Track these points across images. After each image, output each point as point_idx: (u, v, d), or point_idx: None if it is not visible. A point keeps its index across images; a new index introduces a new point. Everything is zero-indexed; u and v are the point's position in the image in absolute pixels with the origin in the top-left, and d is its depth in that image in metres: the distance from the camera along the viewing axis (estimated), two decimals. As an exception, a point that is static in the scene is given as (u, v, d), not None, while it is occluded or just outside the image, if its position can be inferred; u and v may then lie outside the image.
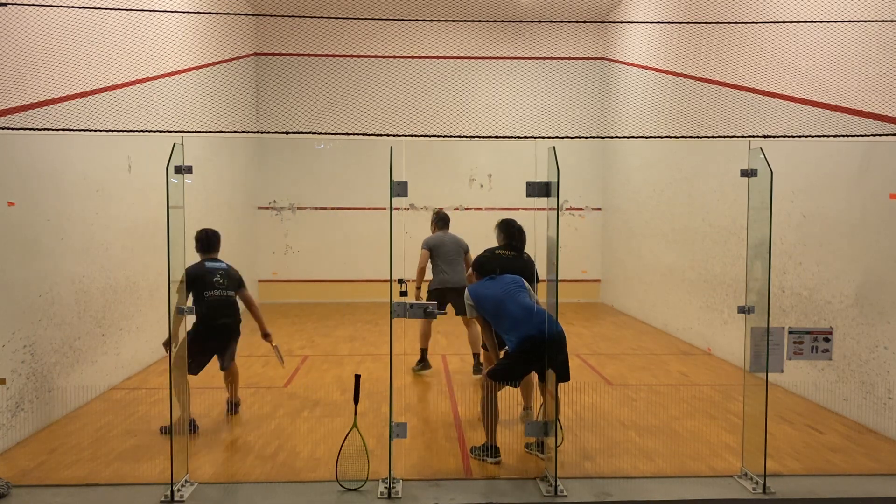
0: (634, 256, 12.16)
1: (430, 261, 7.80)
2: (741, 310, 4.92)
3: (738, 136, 6.36)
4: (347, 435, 4.51)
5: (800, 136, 6.06)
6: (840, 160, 6.29)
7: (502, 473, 4.82)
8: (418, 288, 7.77)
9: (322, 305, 13.39)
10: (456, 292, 7.33)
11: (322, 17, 6.96)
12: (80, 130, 6.07)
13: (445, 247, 7.78)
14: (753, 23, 7.45)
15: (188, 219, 4.74)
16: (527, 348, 4.91)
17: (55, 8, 5.52)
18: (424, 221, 13.80)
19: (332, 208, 14.02)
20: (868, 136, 5.62)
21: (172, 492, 4.27)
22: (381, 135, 5.69)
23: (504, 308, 5.13)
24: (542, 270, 5.24)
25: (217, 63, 10.63)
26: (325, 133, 8.50)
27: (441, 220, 8.07)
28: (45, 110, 5.69)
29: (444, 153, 13.93)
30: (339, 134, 5.80)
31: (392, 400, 4.49)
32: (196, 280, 5.71)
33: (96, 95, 6.60)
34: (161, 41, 8.30)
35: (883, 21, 5.61)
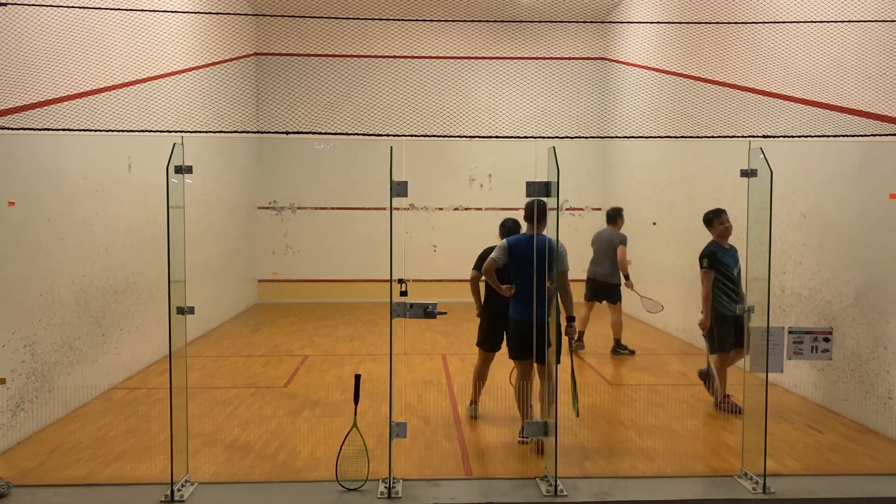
0: (634, 256, 12.13)
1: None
2: (741, 310, 4.93)
3: (738, 136, 6.35)
4: (347, 435, 4.51)
5: (800, 136, 6.06)
6: (840, 160, 6.29)
7: (502, 473, 4.82)
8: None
9: (322, 305, 13.39)
10: (606, 286, 8.90)
11: (322, 17, 6.96)
12: (80, 130, 6.07)
13: (600, 241, 8.95)
14: (753, 23, 7.45)
15: (188, 219, 4.74)
16: (511, 327, 5.47)
17: (55, 8, 5.52)
18: (425, 221, 13.93)
19: (332, 208, 14.02)
20: (868, 136, 5.62)
21: (172, 492, 4.27)
22: (381, 135, 5.69)
23: (527, 275, 5.24)
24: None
25: (217, 63, 10.63)
26: (325, 133, 8.51)
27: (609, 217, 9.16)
28: (45, 110, 5.69)
29: (444, 153, 13.93)
30: (339, 134, 5.81)
31: (392, 400, 4.49)
32: None
33: (96, 95, 6.60)
34: (161, 41, 8.30)
35: (883, 21, 5.61)
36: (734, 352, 6.26)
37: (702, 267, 6.36)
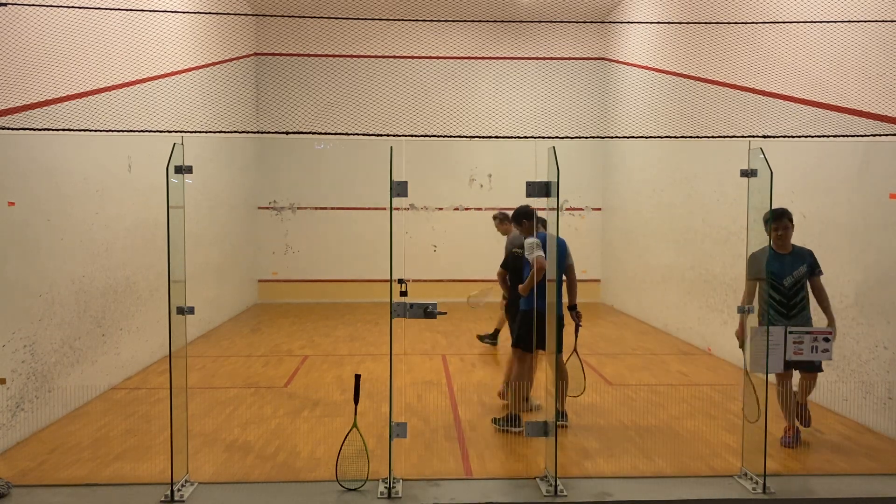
0: (634, 256, 12.16)
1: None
2: (741, 310, 4.93)
3: (738, 136, 6.35)
4: (347, 435, 4.52)
5: (800, 136, 6.06)
6: (840, 160, 6.29)
7: (502, 473, 4.82)
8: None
9: (322, 305, 13.39)
10: None
11: (322, 17, 6.97)
12: (80, 130, 6.07)
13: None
14: (753, 23, 7.46)
15: (188, 219, 4.74)
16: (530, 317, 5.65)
17: (55, 8, 5.52)
18: (425, 221, 13.93)
19: (332, 208, 14.02)
20: (868, 136, 5.62)
21: (172, 492, 4.27)
22: (381, 135, 5.70)
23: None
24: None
25: (217, 63, 10.63)
26: (325, 133, 8.51)
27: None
28: (45, 110, 5.70)
29: (444, 153, 13.94)
30: (339, 134, 5.82)
31: (392, 400, 4.49)
32: None
33: (96, 95, 6.60)
34: (161, 41, 8.30)
35: (883, 21, 5.61)
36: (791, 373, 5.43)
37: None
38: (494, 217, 9.14)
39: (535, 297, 5.60)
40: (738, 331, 5.52)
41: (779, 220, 5.40)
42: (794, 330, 4.84)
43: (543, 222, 6.62)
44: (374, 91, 13.16)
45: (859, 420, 5.94)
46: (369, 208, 13.81)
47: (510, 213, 9.25)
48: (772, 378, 5.03)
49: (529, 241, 5.83)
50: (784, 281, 5.38)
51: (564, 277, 5.94)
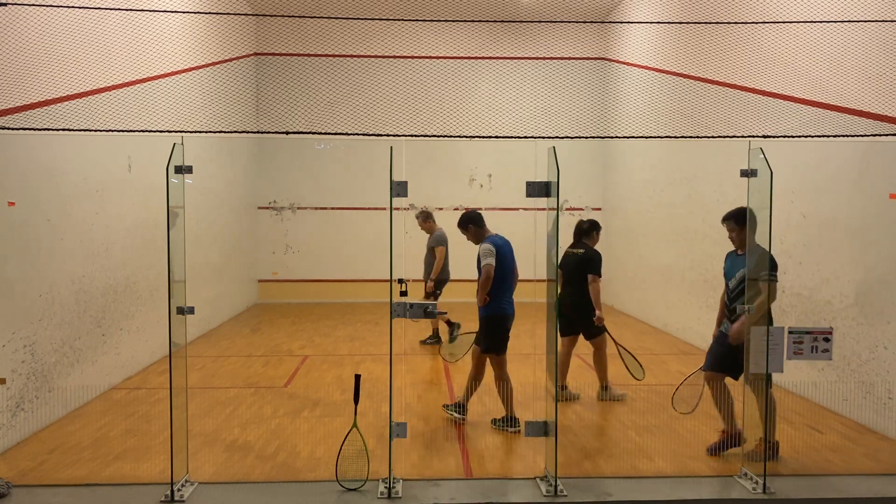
0: (634, 256, 12.16)
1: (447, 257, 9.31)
2: (741, 310, 4.92)
3: (738, 136, 6.36)
4: (347, 435, 4.52)
5: (800, 136, 6.06)
6: (840, 160, 6.29)
7: (502, 473, 4.82)
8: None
9: (322, 305, 13.39)
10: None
11: (322, 17, 6.97)
12: (80, 130, 6.07)
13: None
14: (753, 23, 7.46)
15: (188, 219, 4.74)
16: (502, 322, 5.78)
17: (55, 8, 5.52)
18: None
19: (332, 208, 14.02)
20: (868, 136, 5.62)
21: (172, 492, 4.27)
22: (381, 135, 5.70)
23: (509, 274, 5.81)
24: (542, 270, 5.25)
25: (217, 63, 10.63)
26: (325, 133, 8.53)
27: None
28: (45, 110, 5.69)
29: (444, 153, 13.93)
30: (339, 134, 5.84)
31: (392, 400, 4.49)
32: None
33: (96, 95, 6.60)
34: (161, 41, 8.30)
35: (883, 21, 5.61)
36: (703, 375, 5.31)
37: None
38: (417, 216, 9.38)
39: (501, 300, 5.77)
40: (714, 332, 5.52)
41: (726, 222, 5.31)
42: (795, 330, 4.82)
43: (598, 228, 6.99)
44: (374, 91, 13.16)
45: (859, 420, 5.94)
46: (369, 208, 13.80)
47: (430, 211, 9.58)
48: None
49: (484, 247, 5.76)
50: (728, 282, 5.25)
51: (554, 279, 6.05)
